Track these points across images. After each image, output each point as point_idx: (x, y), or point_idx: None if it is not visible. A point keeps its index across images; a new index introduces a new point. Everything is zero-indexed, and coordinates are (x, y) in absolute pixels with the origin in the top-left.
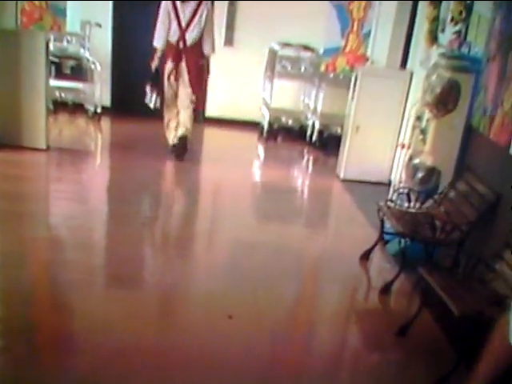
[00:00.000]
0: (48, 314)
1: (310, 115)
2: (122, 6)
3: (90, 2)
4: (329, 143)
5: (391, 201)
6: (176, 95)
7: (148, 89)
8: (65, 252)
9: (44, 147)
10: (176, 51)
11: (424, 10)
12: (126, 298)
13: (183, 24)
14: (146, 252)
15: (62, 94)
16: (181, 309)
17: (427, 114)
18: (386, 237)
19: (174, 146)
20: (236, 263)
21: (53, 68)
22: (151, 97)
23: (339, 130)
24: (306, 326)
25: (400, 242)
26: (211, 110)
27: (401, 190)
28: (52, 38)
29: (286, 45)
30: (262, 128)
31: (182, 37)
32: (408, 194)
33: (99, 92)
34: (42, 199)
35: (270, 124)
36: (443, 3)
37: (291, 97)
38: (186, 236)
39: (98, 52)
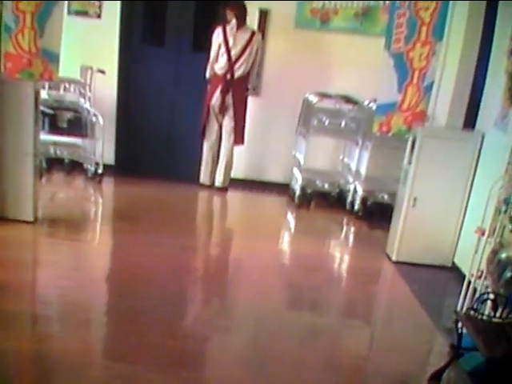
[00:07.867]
0: None
1: (350, 178)
2: (131, 50)
3: (91, 45)
4: (374, 213)
5: (474, 309)
6: (221, 129)
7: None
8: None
9: (31, 219)
10: (224, 84)
11: (498, 61)
12: None
13: (233, 58)
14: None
15: (58, 151)
16: None
17: None
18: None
19: (203, 185)
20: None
21: (46, 120)
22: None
23: (386, 197)
24: None
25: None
26: (234, 170)
27: (485, 296)
28: (47, 85)
29: (324, 96)
30: (293, 192)
31: (231, 70)
32: (495, 300)
33: (101, 149)
34: (24, 294)
35: (303, 188)
36: None
37: (328, 156)
38: (198, 337)
39: (101, 103)
